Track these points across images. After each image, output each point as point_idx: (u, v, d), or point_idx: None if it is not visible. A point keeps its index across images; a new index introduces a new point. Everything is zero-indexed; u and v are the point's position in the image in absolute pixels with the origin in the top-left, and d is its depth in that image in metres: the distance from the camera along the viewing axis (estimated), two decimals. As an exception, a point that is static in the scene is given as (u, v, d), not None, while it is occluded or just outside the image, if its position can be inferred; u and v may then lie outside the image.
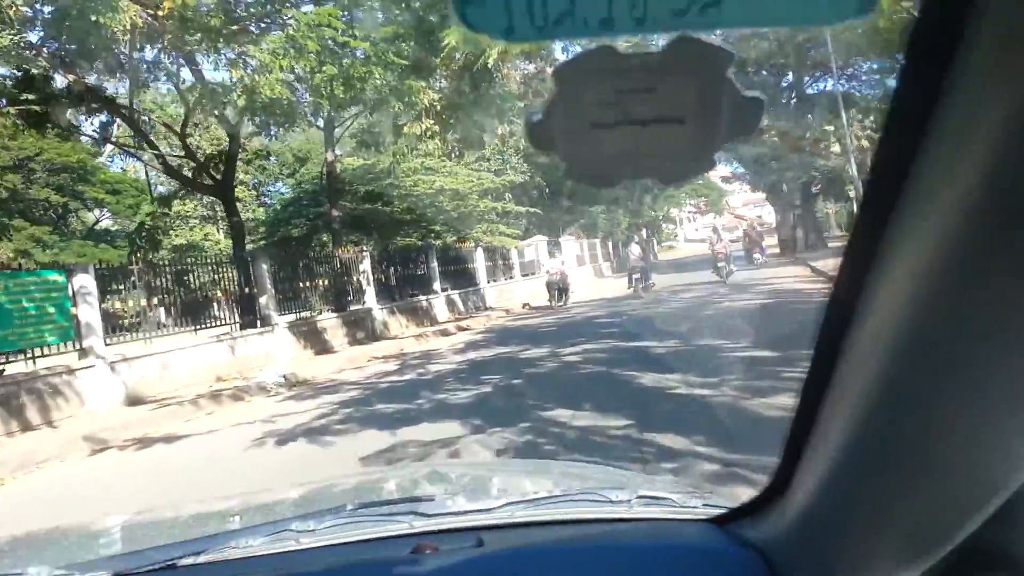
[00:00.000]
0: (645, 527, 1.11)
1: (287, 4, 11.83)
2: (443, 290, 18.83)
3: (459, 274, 20.24)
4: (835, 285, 0.60)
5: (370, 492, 1.67)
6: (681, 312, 13.67)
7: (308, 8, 11.76)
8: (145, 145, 15.23)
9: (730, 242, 20.55)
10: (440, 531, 1.11)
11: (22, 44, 9.99)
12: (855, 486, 0.67)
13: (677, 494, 1.23)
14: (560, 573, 0.97)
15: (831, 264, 18.73)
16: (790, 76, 31.98)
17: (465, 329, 15.77)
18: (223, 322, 12.63)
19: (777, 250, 33.56)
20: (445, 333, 15.14)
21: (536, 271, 26.02)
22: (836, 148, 38.64)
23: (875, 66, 25.76)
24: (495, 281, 22.69)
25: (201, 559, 1.08)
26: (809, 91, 33.12)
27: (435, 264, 18.66)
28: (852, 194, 54.97)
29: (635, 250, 19.90)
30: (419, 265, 18.42)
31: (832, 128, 31.50)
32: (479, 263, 21.45)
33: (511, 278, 24.00)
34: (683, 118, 0.51)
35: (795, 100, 32.77)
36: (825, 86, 31.53)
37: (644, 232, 67.83)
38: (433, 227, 21.71)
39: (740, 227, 31.59)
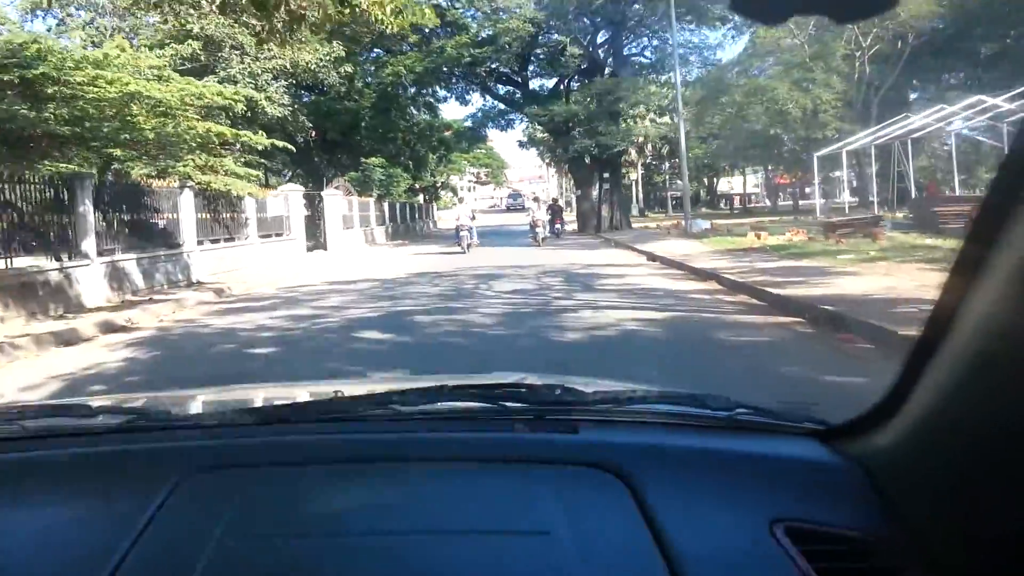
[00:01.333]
0: (747, 436, 1.05)
1: None
2: (104, 252, 11.07)
3: (143, 228, 12.53)
4: (978, 211, 0.63)
5: (470, 381, 1.41)
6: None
7: None
8: None
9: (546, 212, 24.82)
10: (535, 417, 1.08)
11: None
12: (975, 419, 0.67)
13: (780, 406, 1.16)
14: (654, 468, 0.93)
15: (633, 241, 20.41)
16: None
17: (124, 329, 8.50)
18: None
19: (574, 226, 30.20)
20: (67, 341, 7.74)
21: (285, 231, 18.71)
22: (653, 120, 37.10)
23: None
24: (214, 243, 15.17)
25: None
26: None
27: (88, 207, 10.79)
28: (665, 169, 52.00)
29: (465, 211, 22.05)
30: (60, 210, 10.52)
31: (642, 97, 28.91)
32: (185, 213, 13.82)
33: (243, 239, 16.62)
34: None
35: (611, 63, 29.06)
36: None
37: (422, 196, 62.01)
38: (114, 150, 13.40)
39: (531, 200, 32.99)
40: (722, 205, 65.72)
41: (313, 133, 34.01)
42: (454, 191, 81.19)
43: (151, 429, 1.13)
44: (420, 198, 71.45)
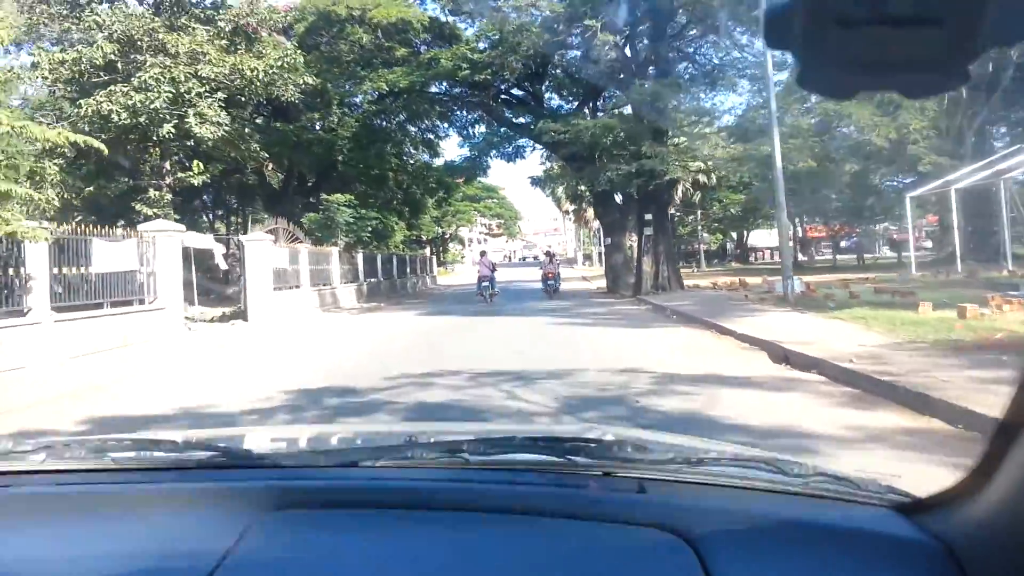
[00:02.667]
0: (824, 506, 1.00)
1: None
2: None
3: None
4: None
5: (540, 433, 1.61)
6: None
7: None
8: None
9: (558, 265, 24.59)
10: (604, 473, 1.06)
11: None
12: None
13: (858, 475, 1.14)
14: (725, 535, 0.89)
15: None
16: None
17: None
18: None
19: (601, 283, 23.54)
20: None
21: (140, 295, 11.63)
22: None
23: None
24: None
25: (380, 463, 1.13)
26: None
27: None
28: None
29: (486, 261, 21.15)
30: None
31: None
32: None
33: (19, 314, 9.12)
34: (942, 18, 0.45)
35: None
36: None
37: (430, 248, 55.45)
38: None
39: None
40: (752, 259, 58.74)
41: (280, 170, 27.75)
42: (462, 243, 74.93)
43: (232, 467, 1.15)
44: (427, 250, 65.42)
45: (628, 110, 21.52)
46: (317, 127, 25.66)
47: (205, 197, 28.91)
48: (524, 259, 61.38)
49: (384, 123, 28.50)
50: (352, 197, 23.11)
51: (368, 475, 1.09)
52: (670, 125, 19.42)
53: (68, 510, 1.03)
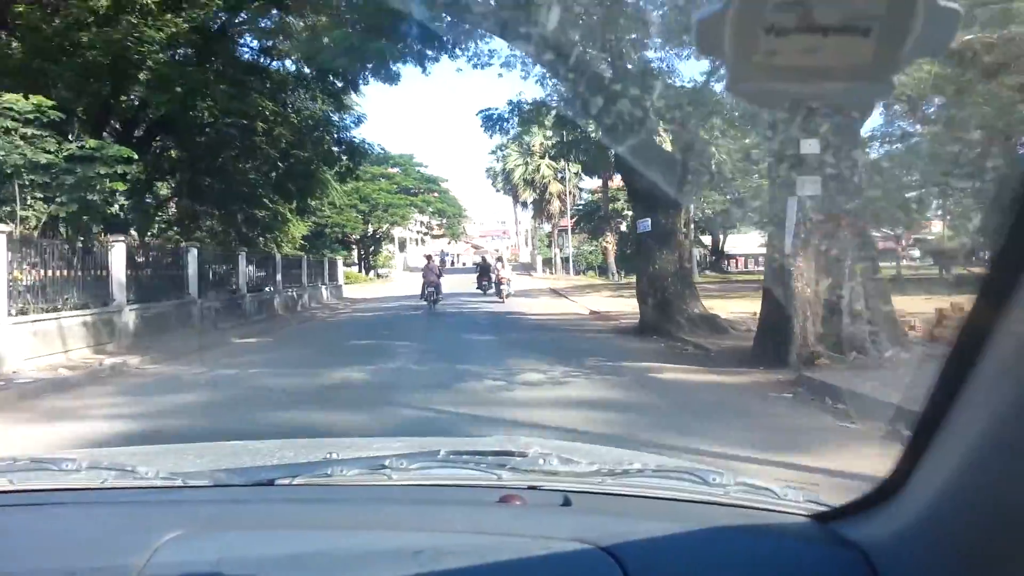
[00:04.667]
0: (743, 515, 1.01)
1: None
2: None
3: None
4: (980, 289, 0.60)
5: (463, 445, 1.50)
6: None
7: None
8: None
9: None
10: (528, 487, 1.06)
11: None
12: (982, 504, 0.64)
13: (778, 485, 1.11)
14: (648, 547, 0.89)
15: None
16: None
17: None
18: None
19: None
20: None
21: None
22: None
23: None
24: None
25: (298, 481, 1.09)
26: None
27: None
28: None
29: (433, 267, 20.01)
30: None
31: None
32: None
33: None
34: (869, 28, 0.46)
35: None
36: None
37: (358, 250, 43.93)
38: None
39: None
40: (725, 268, 49.51)
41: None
42: (400, 245, 63.05)
43: (137, 488, 1.10)
44: (354, 252, 53.32)
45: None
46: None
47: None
48: (469, 265, 49.22)
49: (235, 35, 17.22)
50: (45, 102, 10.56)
51: (284, 495, 1.06)
52: None
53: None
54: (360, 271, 52.06)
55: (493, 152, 64.72)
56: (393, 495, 1.06)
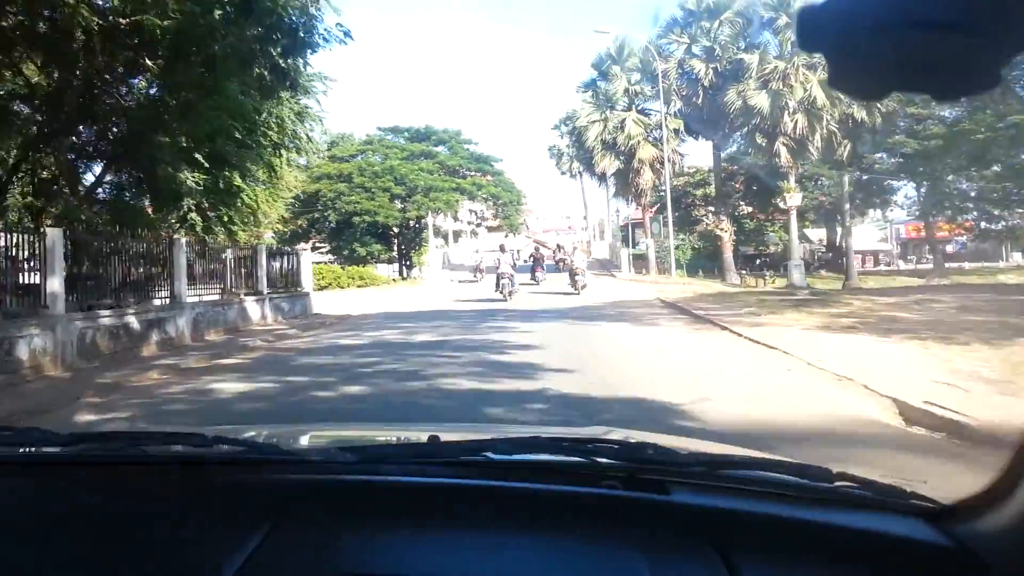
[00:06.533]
0: (850, 512, 0.96)
1: None
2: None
3: None
4: None
5: (563, 433, 1.60)
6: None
7: None
8: None
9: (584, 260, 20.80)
10: (627, 475, 1.02)
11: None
12: None
13: (884, 481, 1.06)
14: (752, 542, 0.86)
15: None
16: None
17: None
18: None
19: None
20: None
21: None
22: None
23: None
24: None
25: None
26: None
27: None
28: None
29: (506, 259, 18.91)
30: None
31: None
32: None
33: None
34: (971, 23, 0.45)
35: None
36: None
37: (398, 245, 34.01)
38: None
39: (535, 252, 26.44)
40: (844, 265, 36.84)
41: None
42: (453, 237, 52.29)
43: (260, 462, 1.14)
44: (393, 247, 42.80)
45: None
46: None
47: None
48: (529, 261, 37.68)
49: None
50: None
51: (395, 471, 1.08)
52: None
53: (98, 497, 1.03)
54: (400, 270, 41.74)
55: (557, 127, 53.20)
56: (494, 476, 1.04)
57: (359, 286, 28.61)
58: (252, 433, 1.49)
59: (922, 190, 36.60)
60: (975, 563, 0.79)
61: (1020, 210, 37.92)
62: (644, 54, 27.16)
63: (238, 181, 16.76)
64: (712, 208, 32.49)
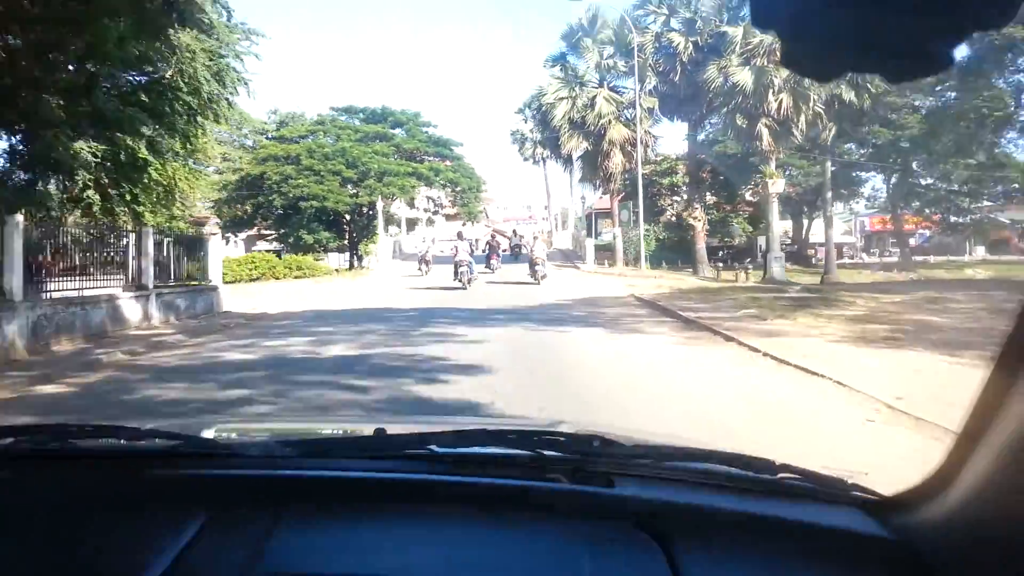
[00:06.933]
0: (790, 502, 0.96)
1: None
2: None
3: None
4: None
5: (510, 425, 1.60)
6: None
7: None
8: None
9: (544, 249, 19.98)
10: (572, 468, 0.99)
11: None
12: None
13: (824, 473, 1.06)
14: (694, 533, 0.86)
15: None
16: None
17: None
18: None
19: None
20: None
21: None
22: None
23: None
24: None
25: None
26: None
27: None
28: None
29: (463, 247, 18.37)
30: None
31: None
32: None
33: None
34: (926, 2, 0.44)
35: None
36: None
37: (349, 233, 31.36)
38: None
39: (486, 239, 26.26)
40: (814, 258, 36.32)
41: None
42: (398, 224, 49.13)
43: (196, 456, 1.09)
44: (338, 233, 39.63)
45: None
46: None
47: None
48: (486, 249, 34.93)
49: None
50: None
51: (336, 466, 1.04)
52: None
53: (24, 494, 1.00)
54: (351, 260, 38.65)
55: (521, 110, 50.42)
56: (439, 469, 1.02)
57: (296, 277, 25.62)
58: (188, 428, 1.37)
59: (892, 181, 35.67)
60: (912, 555, 0.80)
61: (988, 203, 37.21)
62: (619, 26, 24.63)
63: (144, 153, 13.84)
64: (683, 196, 30.31)
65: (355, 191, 37.75)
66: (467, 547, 0.86)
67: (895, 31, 0.43)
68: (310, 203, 36.34)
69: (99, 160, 12.56)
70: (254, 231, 44.78)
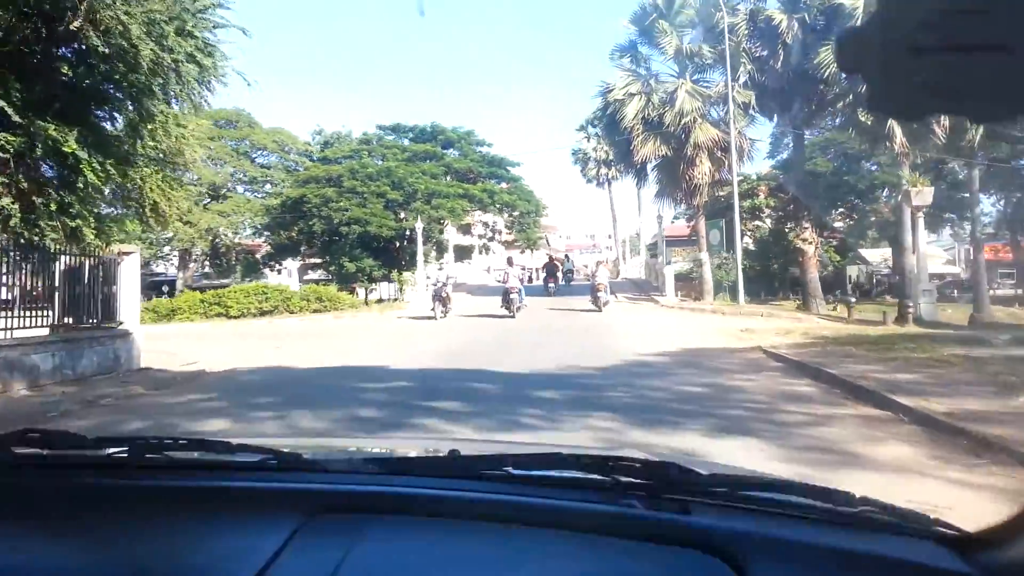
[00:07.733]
0: (870, 536, 0.95)
1: None
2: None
3: None
4: None
5: (585, 451, 1.62)
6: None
7: None
8: None
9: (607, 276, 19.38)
10: (647, 495, 1.00)
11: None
12: None
13: (906, 507, 1.05)
14: (772, 564, 0.86)
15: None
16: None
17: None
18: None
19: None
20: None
21: None
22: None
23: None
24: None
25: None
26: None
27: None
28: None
29: (514, 272, 18.84)
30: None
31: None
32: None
33: None
34: (1014, 46, 0.45)
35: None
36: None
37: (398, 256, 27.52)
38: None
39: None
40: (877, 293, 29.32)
41: None
42: (444, 250, 44.77)
43: (284, 469, 1.12)
44: (385, 265, 35.45)
45: None
46: None
47: None
48: (543, 272, 30.15)
49: None
50: None
51: (415, 483, 1.07)
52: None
53: (121, 501, 1.03)
54: (395, 290, 34.58)
55: (583, 127, 45.64)
56: (513, 490, 1.03)
57: (316, 311, 21.50)
58: (272, 443, 1.35)
59: (1013, 201, 29.41)
60: None
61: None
62: (703, 4, 19.88)
63: (73, 146, 9.73)
64: (779, 214, 24.91)
65: (402, 215, 33.90)
66: (539, 569, 0.86)
67: (977, 73, 0.42)
68: (352, 228, 32.62)
69: (11, 154, 8.65)
70: (298, 260, 41.73)
